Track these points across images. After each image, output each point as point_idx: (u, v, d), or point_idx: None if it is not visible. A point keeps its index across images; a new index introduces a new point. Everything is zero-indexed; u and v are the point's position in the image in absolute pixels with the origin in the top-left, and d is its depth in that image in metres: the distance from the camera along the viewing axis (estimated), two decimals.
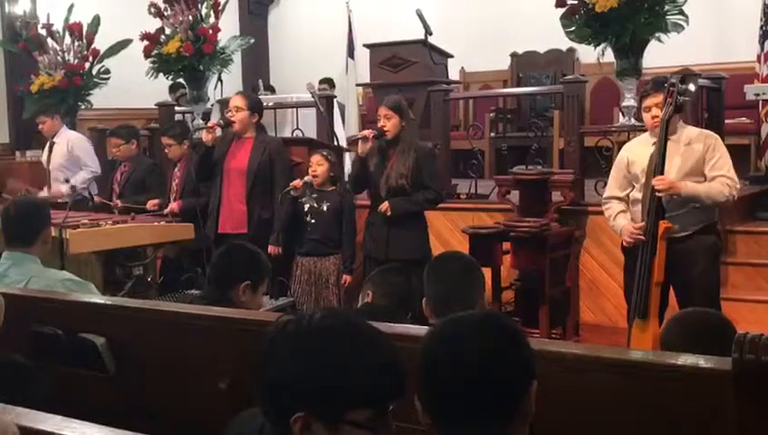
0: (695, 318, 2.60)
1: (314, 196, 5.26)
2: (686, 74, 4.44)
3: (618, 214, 4.31)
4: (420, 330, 2.14)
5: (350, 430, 1.49)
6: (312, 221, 5.24)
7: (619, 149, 5.90)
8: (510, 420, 1.60)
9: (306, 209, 5.25)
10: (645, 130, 4.40)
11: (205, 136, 5.36)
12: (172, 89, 8.93)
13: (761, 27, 7.29)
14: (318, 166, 5.24)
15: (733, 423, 1.72)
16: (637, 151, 4.29)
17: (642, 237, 4.03)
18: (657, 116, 4.08)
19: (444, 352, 1.64)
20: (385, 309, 2.97)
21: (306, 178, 5.22)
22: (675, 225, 4.02)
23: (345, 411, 1.49)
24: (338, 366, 1.49)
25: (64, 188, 6.76)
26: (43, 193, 6.97)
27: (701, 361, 1.83)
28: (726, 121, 6.38)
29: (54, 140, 7.06)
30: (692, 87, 4.10)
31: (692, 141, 4.15)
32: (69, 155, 6.99)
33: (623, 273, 4.42)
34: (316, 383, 1.49)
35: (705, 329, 2.42)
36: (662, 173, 3.99)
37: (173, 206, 5.88)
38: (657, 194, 4.00)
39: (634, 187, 4.28)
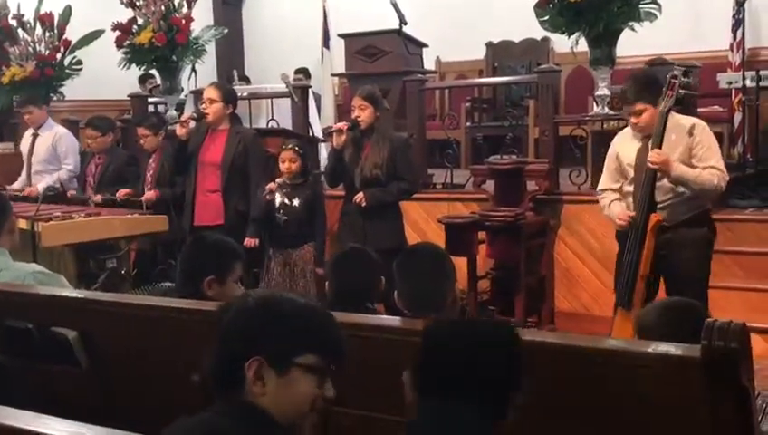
0: (676, 309, 2.59)
1: (285, 190, 5.20)
2: (687, 67, 4.40)
3: (612, 202, 4.26)
4: (386, 320, 2.14)
5: (298, 373, 1.65)
6: (285, 218, 5.19)
7: (594, 138, 5.95)
8: (495, 418, 1.75)
9: (277, 205, 5.20)
10: (618, 119, 4.39)
11: (178, 130, 5.32)
12: (142, 80, 8.86)
13: (733, 16, 7.35)
14: (291, 163, 5.17)
15: (703, 409, 1.74)
16: (624, 146, 4.25)
17: (633, 214, 4.00)
18: (637, 123, 4.08)
19: (455, 340, 1.80)
20: (338, 300, 3.00)
21: (279, 180, 5.17)
22: (665, 214, 4.01)
23: (293, 355, 1.65)
24: (283, 317, 1.69)
25: (41, 187, 6.70)
26: (16, 185, 6.90)
27: (671, 348, 1.85)
28: (699, 110, 6.40)
29: (39, 132, 6.97)
30: (692, 80, 4.06)
31: (680, 131, 4.10)
32: (54, 150, 6.90)
33: (616, 260, 4.35)
34: (266, 332, 1.66)
35: (688, 318, 2.41)
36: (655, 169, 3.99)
37: (149, 194, 5.84)
38: (650, 165, 3.98)
39: (626, 179, 4.27)
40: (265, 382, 1.63)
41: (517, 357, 1.80)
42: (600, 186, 4.43)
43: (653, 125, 4.01)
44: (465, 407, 1.70)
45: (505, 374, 1.77)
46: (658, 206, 4.02)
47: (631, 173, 4.14)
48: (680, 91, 3.91)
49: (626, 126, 4.37)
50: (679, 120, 4.12)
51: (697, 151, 4.07)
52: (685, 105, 4.25)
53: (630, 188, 4.16)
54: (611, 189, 4.30)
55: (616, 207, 4.22)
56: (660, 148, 3.96)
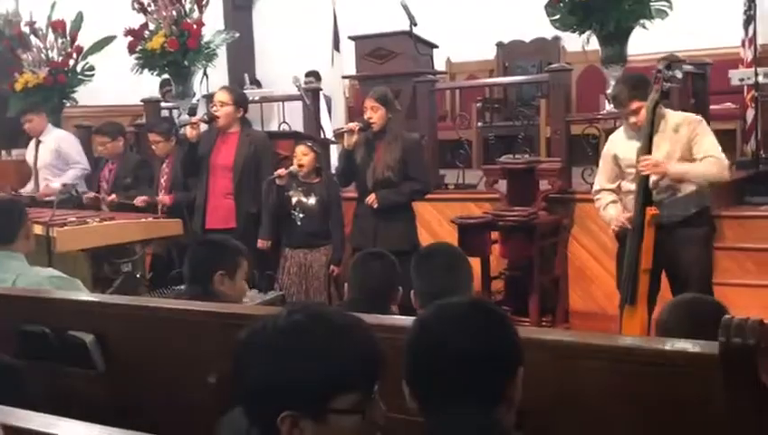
0: (699, 306, 2.58)
1: (301, 188, 5.23)
2: (671, 61, 4.45)
3: (608, 204, 4.32)
4: (404, 321, 2.14)
5: (338, 418, 1.49)
6: (301, 215, 5.22)
7: (606, 136, 5.92)
8: (495, 405, 1.63)
9: (294, 203, 5.23)
10: None
11: (189, 132, 5.33)
12: (162, 86, 8.89)
13: (745, 12, 7.30)
14: (303, 156, 5.21)
15: (721, 406, 1.73)
16: (622, 146, 4.28)
17: (628, 225, 4.04)
18: (636, 121, 4.12)
19: (431, 336, 1.67)
20: (358, 303, 2.98)
21: (291, 168, 5.20)
22: (664, 211, 4.03)
23: (328, 402, 1.48)
24: (311, 359, 1.48)
25: (56, 185, 6.74)
26: (27, 191, 6.94)
27: (689, 345, 1.84)
28: (712, 107, 6.38)
29: (41, 138, 7.02)
30: (678, 73, 4.12)
31: (677, 127, 4.16)
32: (57, 154, 6.96)
33: (615, 260, 4.41)
34: (293, 382, 1.48)
35: (713, 317, 2.40)
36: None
37: (164, 199, 5.88)
38: (642, 173, 3.99)
39: (625, 178, 4.29)
40: (303, 430, 1.48)
41: (507, 329, 1.70)
42: (595, 186, 4.46)
43: None
44: (473, 410, 1.60)
45: (507, 353, 1.66)
46: (659, 204, 4.04)
47: (631, 172, 4.16)
48: (665, 84, 3.97)
49: None
50: (672, 117, 4.16)
51: (694, 144, 4.11)
52: (674, 98, 4.33)
53: (631, 187, 4.19)
54: (608, 190, 4.33)
55: (612, 210, 4.26)
56: (650, 142, 4.00)
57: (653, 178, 4.05)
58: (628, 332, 3.98)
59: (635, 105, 4.09)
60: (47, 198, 6.47)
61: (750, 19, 7.23)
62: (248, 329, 1.58)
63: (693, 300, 2.63)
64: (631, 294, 4.01)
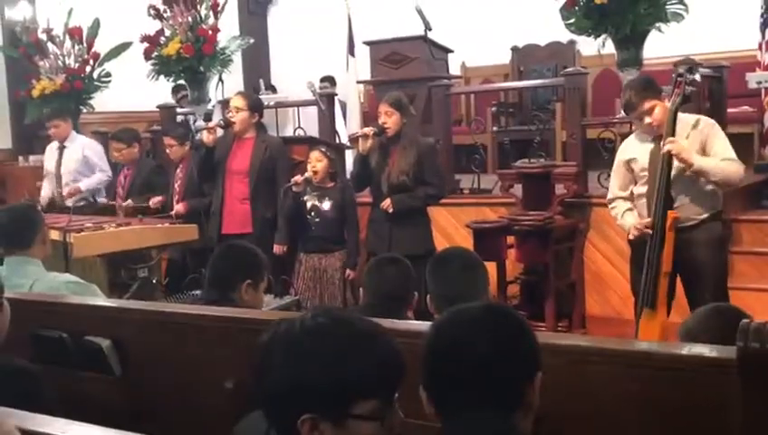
0: (724, 315, 2.54)
1: (315, 193, 5.24)
2: (692, 64, 4.43)
3: (624, 212, 4.30)
4: (420, 326, 2.14)
5: (358, 423, 1.50)
6: (316, 220, 5.23)
7: (622, 140, 5.92)
8: (513, 411, 1.62)
9: (309, 207, 5.24)
10: None
11: (205, 137, 5.37)
12: (174, 90, 8.93)
13: (761, 15, 7.26)
14: (317, 162, 5.23)
15: (738, 412, 1.72)
16: (636, 150, 4.27)
17: (649, 231, 4.02)
18: (651, 121, 4.10)
19: (449, 341, 1.66)
20: (373, 308, 2.97)
21: (306, 174, 5.21)
22: (681, 214, 4.01)
23: (349, 407, 1.49)
24: (334, 363, 1.49)
25: (83, 185, 6.80)
26: (45, 195, 6.98)
27: (706, 350, 1.83)
28: (729, 110, 6.35)
29: (65, 144, 7.05)
30: (698, 77, 4.10)
31: (690, 131, 4.13)
32: (84, 161, 6.98)
33: (629, 265, 4.40)
34: (315, 384, 1.48)
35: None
36: (670, 165, 3.99)
37: (179, 208, 5.90)
38: (666, 151, 3.95)
39: (636, 183, 4.27)
40: (323, 433, 1.50)
41: (525, 334, 1.68)
42: (609, 195, 4.45)
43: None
44: (490, 415, 1.60)
45: (524, 358, 1.64)
46: (675, 206, 4.03)
47: (645, 175, 4.15)
48: (687, 87, 3.94)
49: None
50: (684, 119, 4.13)
51: (710, 148, 4.08)
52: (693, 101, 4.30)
53: (643, 190, 4.17)
54: (621, 197, 4.31)
55: (629, 219, 4.24)
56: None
57: (675, 164, 4.00)
58: (647, 336, 3.96)
59: (648, 104, 4.07)
60: (71, 198, 6.53)
61: (767, 22, 7.19)
62: (271, 331, 1.58)
63: (718, 309, 2.60)
64: (651, 298, 3.98)
